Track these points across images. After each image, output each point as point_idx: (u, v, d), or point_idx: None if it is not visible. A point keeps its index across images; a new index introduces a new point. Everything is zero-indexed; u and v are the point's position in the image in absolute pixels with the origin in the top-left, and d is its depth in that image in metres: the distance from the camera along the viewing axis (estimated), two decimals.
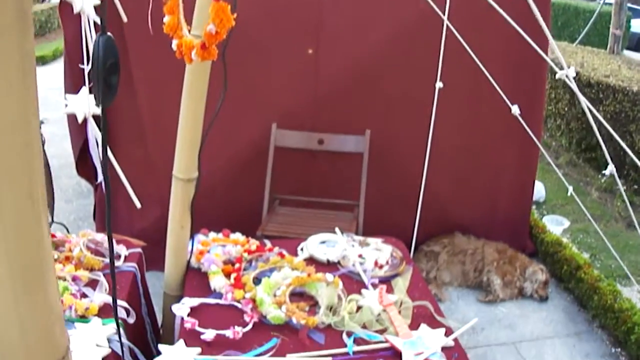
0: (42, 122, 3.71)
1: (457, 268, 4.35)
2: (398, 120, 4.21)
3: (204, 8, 2.00)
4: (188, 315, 2.38)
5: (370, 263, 2.83)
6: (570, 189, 2.88)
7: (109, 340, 2.20)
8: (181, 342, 2.22)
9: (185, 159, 2.55)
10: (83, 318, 2.32)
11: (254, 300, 2.45)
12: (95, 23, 2.91)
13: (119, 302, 2.44)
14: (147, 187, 3.76)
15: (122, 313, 2.42)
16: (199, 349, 2.18)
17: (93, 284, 2.55)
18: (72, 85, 3.80)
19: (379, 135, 4.07)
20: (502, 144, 4.44)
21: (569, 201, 5.70)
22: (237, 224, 3.18)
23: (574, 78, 1.97)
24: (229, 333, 2.25)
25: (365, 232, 3.44)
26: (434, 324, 2.43)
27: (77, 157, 4.38)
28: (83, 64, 3.26)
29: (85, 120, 3.42)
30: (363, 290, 2.62)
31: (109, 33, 1.17)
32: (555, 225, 5.11)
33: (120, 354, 2.15)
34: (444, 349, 2.27)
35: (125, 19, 3.05)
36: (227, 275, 2.64)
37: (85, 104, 3.04)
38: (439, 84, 3.24)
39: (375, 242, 3.05)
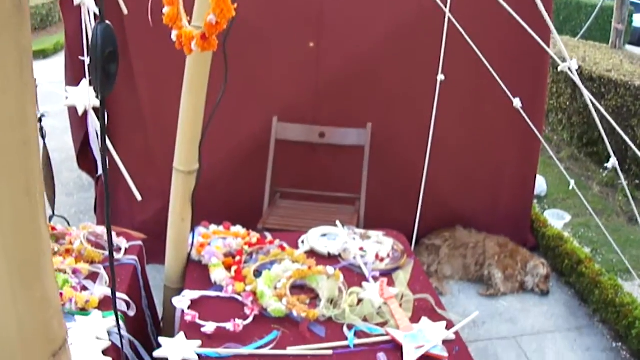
0: (42, 116, 3.70)
1: (458, 262, 4.35)
2: (399, 114, 4.20)
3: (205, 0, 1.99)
4: (188, 308, 2.37)
5: (371, 256, 2.82)
6: (572, 182, 2.87)
7: (109, 333, 2.20)
8: (181, 334, 2.21)
9: (185, 151, 2.54)
10: (83, 311, 2.32)
11: (254, 293, 2.44)
12: (95, 15, 2.89)
13: (120, 295, 2.44)
14: (148, 180, 3.76)
15: (122, 306, 2.42)
16: (199, 342, 2.18)
17: (93, 276, 2.55)
18: (73, 78, 3.79)
19: (380, 128, 4.06)
20: (503, 138, 4.43)
21: (570, 195, 5.69)
22: (238, 217, 3.18)
23: (576, 71, 1.96)
24: (229, 326, 2.24)
25: (367, 226, 3.43)
26: (435, 317, 2.43)
27: (78, 151, 4.38)
28: (83, 56, 3.25)
29: (85, 113, 3.42)
30: (364, 283, 2.61)
31: (107, 21, 1.16)
32: (556, 220, 5.10)
33: (120, 346, 2.15)
34: (445, 342, 2.27)
35: (125, 11, 3.04)
36: (228, 268, 2.64)
37: (85, 96, 3.03)
38: (440, 77, 3.23)
39: (376, 235, 3.04)
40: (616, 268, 4.54)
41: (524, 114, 2.94)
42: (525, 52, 4.07)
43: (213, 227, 2.96)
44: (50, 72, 7.14)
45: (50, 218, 3.90)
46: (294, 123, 4.07)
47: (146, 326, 2.74)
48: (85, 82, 3.13)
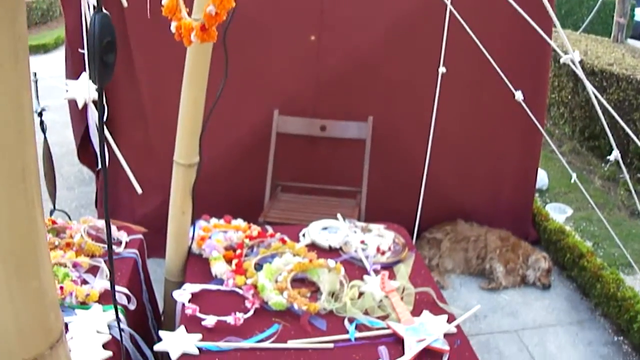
0: (43, 110, 3.71)
1: (459, 255, 4.34)
2: (401, 107, 4.19)
3: None
4: (189, 301, 2.37)
5: (372, 249, 2.82)
6: (574, 176, 2.86)
7: (109, 327, 2.19)
8: (182, 328, 2.21)
9: (186, 144, 2.53)
10: (84, 305, 2.31)
11: (255, 287, 2.43)
12: (94, 7, 2.88)
13: (120, 288, 2.44)
14: (149, 173, 3.75)
15: (123, 299, 2.41)
16: (200, 335, 2.18)
17: (94, 270, 2.54)
18: (73, 71, 3.79)
19: (381, 121, 4.05)
20: (505, 131, 4.42)
21: (572, 189, 5.69)
22: (239, 210, 3.17)
23: (578, 64, 1.95)
24: (230, 319, 2.24)
25: (368, 219, 3.42)
26: (437, 310, 2.42)
27: (78, 144, 4.38)
28: (83, 48, 3.25)
29: (85, 106, 3.41)
30: (365, 277, 2.60)
31: (105, 11, 1.15)
32: (558, 213, 5.09)
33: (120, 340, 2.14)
34: (446, 335, 2.26)
35: (125, 4, 3.02)
36: (229, 261, 2.63)
37: (85, 89, 3.03)
38: (442, 69, 3.22)
39: (377, 228, 3.03)
40: (618, 262, 4.53)
41: (525, 107, 2.93)
42: (527, 45, 4.06)
43: (214, 220, 2.95)
44: (50, 66, 7.15)
45: (51, 212, 3.91)
46: (295, 116, 4.06)
47: (147, 320, 2.74)
48: (85, 75, 3.12)
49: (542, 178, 5.68)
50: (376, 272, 2.65)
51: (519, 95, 2.89)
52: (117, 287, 2.43)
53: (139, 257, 2.74)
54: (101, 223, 2.84)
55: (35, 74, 3.61)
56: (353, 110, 4.09)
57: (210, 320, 2.23)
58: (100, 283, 2.42)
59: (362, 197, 3.93)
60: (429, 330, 2.26)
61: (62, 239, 2.69)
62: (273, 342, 2.19)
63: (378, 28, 4.01)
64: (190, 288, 2.45)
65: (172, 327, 2.35)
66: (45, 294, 1.01)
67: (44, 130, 3.76)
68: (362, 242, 2.87)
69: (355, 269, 2.69)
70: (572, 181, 2.83)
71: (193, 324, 2.24)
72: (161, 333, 2.19)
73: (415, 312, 2.39)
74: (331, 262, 2.59)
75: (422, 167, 3.39)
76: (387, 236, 2.96)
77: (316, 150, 4.24)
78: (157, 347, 2.15)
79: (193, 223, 2.73)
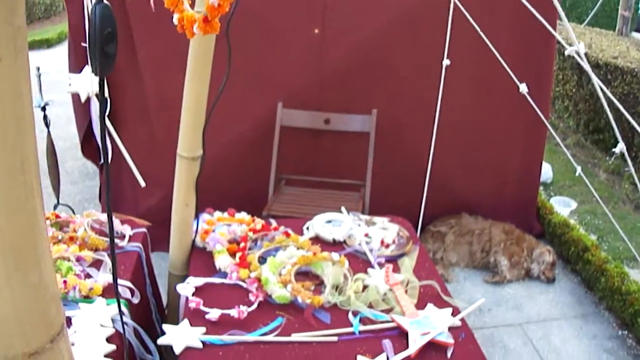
0: (46, 104, 3.70)
1: (464, 249, 4.33)
2: (405, 100, 4.17)
3: None
4: (193, 294, 2.36)
5: (376, 242, 2.81)
6: (579, 169, 2.85)
7: (113, 321, 2.19)
8: (186, 321, 2.21)
9: (189, 137, 2.53)
10: (87, 298, 2.31)
11: (259, 280, 2.43)
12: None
13: (124, 282, 2.44)
14: (152, 167, 3.75)
15: (126, 293, 2.41)
16: (203, 329, 2.17)
17: (97, 264, 2.55)
18: (77, 66, 3.78)
19: (385, 114, 4.04)
20: (509, 124, 4.40)
21: (577, 183, 5.67)
22: (243, 203, 3.16)
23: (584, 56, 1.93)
24: (233, 312, 2.23)
25: (372, 213, 3.41)
26: (441, 303, 2.41)
27: (82, 139, 4.37)
28: (86, 42, 3.24)
29: (88, 101, 3.41)
30: (369, 270, 2.60)
31: (106, 2, 1.14)
32: (562, 207, 5.08)
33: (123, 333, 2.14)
34: (450, 328, 2.25)
35: None
36: (232, 254, 2.63)
37: (88, 83, 3.02)
38: (446, 62, 3.21)
39: (381, 221, 3.02)
40: (622, 255, 4.52)
41: (530, 100, 2.92)
42: (531, 38, 4.04)
43: (217, 213, 2.95)
44: (54, 61, 7.14)
45: (55, 206, 3.91)
46: (299, 109, 4.05)
47: (150, 313, 2.74)
48: (87, 68, 3.12)
49: (547, 171, 5.67)
50: (380, 265, 2.65)
51: (523, 88, 2.88)
52: (120, 281, 2.43)
53: (143, 250, 2.74)
54: (105, 217, 2.84)
55: (38, 69, 3.61)
56: (357, 103, 4.08)
57: (214, 314, 2.23)
58: (104, 277, 2.42)
59: (366, 190, 3.92)
60: (433, 323, 2.25)
61: (66, 233, 2.69)
62: (277, 335, 2.19)
63: (382, 21, 3.99)
64: (194, 281, 2.44)
65: (175, 321, 2.34)
66: (46, 286, 1.00)
67: (47, 125, 3.76)
68: (366, 235, 2.86)
69: (359, 262, 2.69)
70: (577, 174, 2.83)
71: (197, 318, 2.24)
72: (165, 326, 2.19)
73: (420, 305, 2.38)
74: (335, 255, 2.59)
75: (426, 161, 3.38)
76: (391, 229, 2.95)
77: (320, 143, 4.23)
78: (161, 341, 2.15)
79: (197, 216, 2.73)
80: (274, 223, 2.94)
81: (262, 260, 2.58)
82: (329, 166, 4.20)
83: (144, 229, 2.87)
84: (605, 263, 4.01)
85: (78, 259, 2.52)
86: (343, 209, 3.09)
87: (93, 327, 2.14)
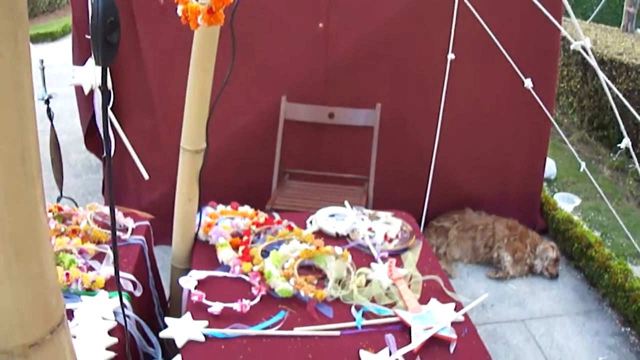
0: (50, 97, 3.69)
1: (467, 244, 4.32)
2: (409, 94, 4.16)
3: None
4: (195, 288, 2.36)
5: (379, 236, 2.80)
6: (583, 165, 2.84)
7: (115, 313, 2.19)
8: (188, 315, 2.20)
9: (193, 130, 2.52)
10: (90, 291, 2.31)
11: (261, 273, 2.42)
12: None
13: (126, 275, 2.43)
14: (156, 160, 3.75)
15: (129, 286, 2.41)
16: (206, 322, 2.17)
17: (100, 257, 2.54)
18: (81, 58, 3.78)
19: (389, 109, 4.03)
20: (513, 119, 4.39)
21: (580, 179, 5.66)
22: (246, 197, 3.15)
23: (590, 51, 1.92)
24: (236, 306, 2.23)
25: (375, 207, 3.41)
26: (444, 298, 2.41)
27: (85, 132, 4.37)
28: (89, 35, 3.24)
29: (92, 93, 3.40)
30: (372, 264, 2.59)
31: None
32: (566, 203, 5.07)
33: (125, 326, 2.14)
34: (453, 324, 2.25)
35: None
36: (235, 247, 2.62)
37: (91, 75, 3.02)
38: (450, 56, 3.20)
39: (385, 215, 3.02)
40: (626, 252, 4.51)
41: (535, 95, 2.91)
42: (536, 33, 4.02)
43: (220, 207, 2.94)
44: (58, 54, 7.13)
45: (58, 199, 3.90)
46: (303, 103, 4.04)
47: (153, 306, 2.74)
48: (91, 61, 3.11)
49: (551, 167, 5.66)
50: (383, 259, 2.64)
51: (528, 83, 2.87)
52: (123, 274, 2.42)
53: (146, 243, 2.73)
54: (107, 209, 2.84)
55: (42, 62, 3.60)
56: (361, 97, 4.07)
57: (216, 307, 2.23)
58: (106, 269, 2.41)
59: (370, 184, 3.91)
60: (436, 318, 2.25)
61: (69, 226, 2.68)
62: (279, 329, 2.18)
63: (386, 15, 3.97)
64: (197, 275, 2.44)
65: (178, 314, 2.34)
66: (46, 277, 0.99)
67: (51, 118, 3.75)
68: (370, 229, 2.86)
69: (362, 257, 2.68)
70: (581, 170, 2.82)
71: (199, 311, 2.23)
72: (167, 320, 2.19)
73: (423, 300, 2.38)
74: (338, 250, 2.58)
75: (430, 155, 3.37)
76: (395, 224, 2.94)
77: (324, 137, 4.22)
78: (163, 334, 2.15)
79: (200, 210, 2.72)
80: (277, 216, 2.93)
81: (265, 253, 2.57)
82: (332, 160, 4.19)
83: (146, 222, 2.86)
84: (609, 260, 4.01)
85: (81, 252, 2.52)
86: (346, 203, 3.08)
87: (95, 319, 2.13)
